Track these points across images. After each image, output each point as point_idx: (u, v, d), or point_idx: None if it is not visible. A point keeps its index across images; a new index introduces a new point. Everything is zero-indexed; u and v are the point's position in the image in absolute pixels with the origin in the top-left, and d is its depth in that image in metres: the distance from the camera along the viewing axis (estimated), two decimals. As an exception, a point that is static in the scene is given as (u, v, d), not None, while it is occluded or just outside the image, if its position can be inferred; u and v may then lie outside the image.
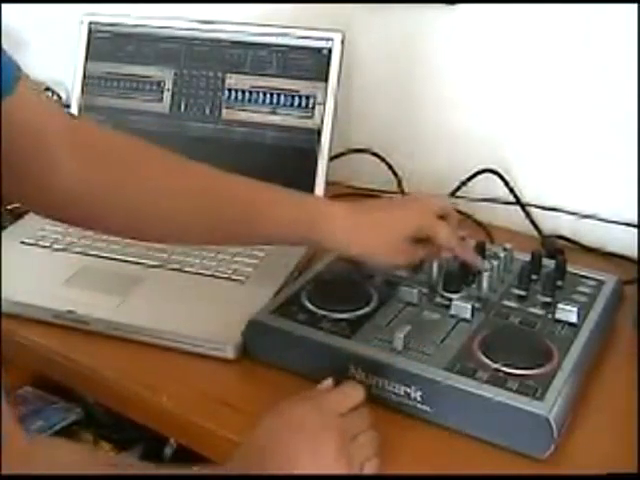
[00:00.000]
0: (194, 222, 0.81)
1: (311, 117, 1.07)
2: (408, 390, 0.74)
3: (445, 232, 0.84)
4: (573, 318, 0.82)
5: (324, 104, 1.06)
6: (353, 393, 0.70)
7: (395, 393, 0.74)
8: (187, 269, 0.97)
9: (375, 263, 0.86)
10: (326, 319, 0.82)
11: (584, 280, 0.91)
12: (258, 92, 1.09)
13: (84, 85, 1.15)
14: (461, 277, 0.88)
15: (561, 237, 1.10)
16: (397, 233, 0.83)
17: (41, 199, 0.76)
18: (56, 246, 1.02)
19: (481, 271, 0.87)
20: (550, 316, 0.83)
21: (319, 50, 1.07)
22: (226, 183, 0.83)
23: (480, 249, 0.94)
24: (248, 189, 0.83)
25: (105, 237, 1.03)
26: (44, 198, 0.76)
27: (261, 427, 0.66)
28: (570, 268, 0.92)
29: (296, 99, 1.08)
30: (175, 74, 1.13)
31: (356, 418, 0.68)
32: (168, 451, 1.02)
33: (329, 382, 0.72)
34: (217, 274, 0.97)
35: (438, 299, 0.86)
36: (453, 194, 1.15)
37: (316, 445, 0.64)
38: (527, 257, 0.93)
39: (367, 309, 0.84)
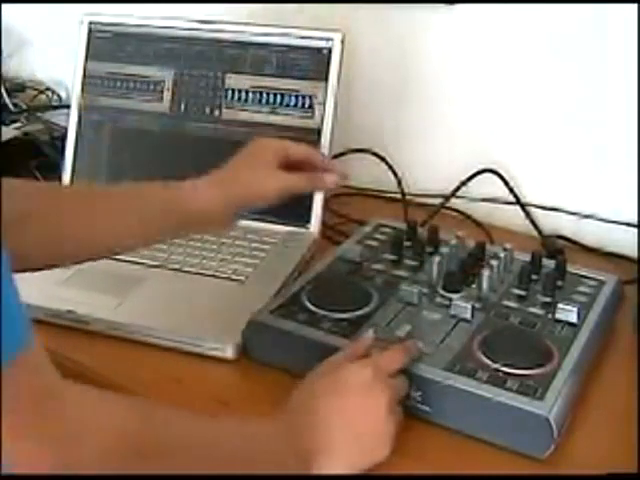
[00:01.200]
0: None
1: (311, 117, 1.07)
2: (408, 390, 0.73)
3: (299, 147, 0.91)
4: (573, 318, 0.82)
5: (324, 104, 1.06)
6: (399, 356, 0.73)
7: (395, 393, 0.74)
8: (187, 269, 0.97)
9: (262, 198, 0.87)
10: (326, 319, 0.82)
11: (584, 280, 0.91)
12: (258, 92, 1.09)
13: (84, 85, 1.15)
14: (461, 277, 0.88)
15: (561, 237, 1.10)
16: (258, 163, 0.88)
17: None
18: (56, 246, 1.02)
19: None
20: (550, 316, 0.83)
21: (319, 50, 1.07)
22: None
23: (480, 249, 0.94)
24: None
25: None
26: None
27: (302, 387, 0.70)
28: (570, 268, 0.92)
29: (296, 99, 1.08)
30: (175, 74, 1.13)
31: (401, 381, 0.72)
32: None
33: (370, 333, 0.76)
34: (217, 274, 0.97)
35: (438, 299, 0.86)
36: (453, 194, 1.15)
37: (369, 400, 0.68)
38: (527, 257, 0.93)
39: (367, 309, 0.84)
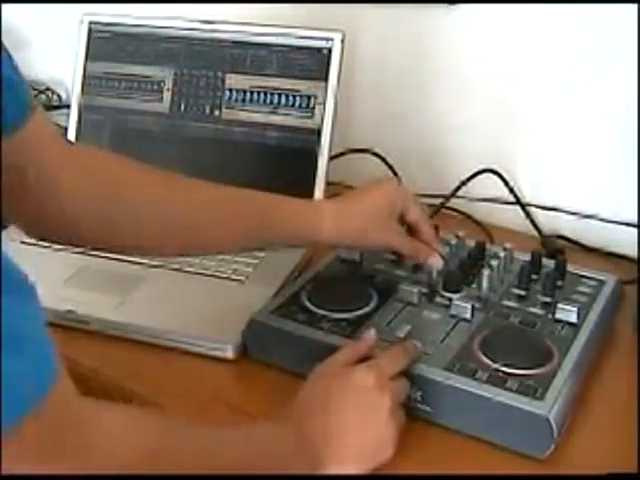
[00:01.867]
0: (196, 236, 0.82)
1: (311, 117, 1.07)
2: (408, 390, 0.74)
3: (417, 208, 0.90)
4: (573, 318, 0.82)
5: (324, 104, 1.06)
6: (400, 358, 0.73)
7: (395, 393, 0.74)
8: (187, 269, 0.97)
9: (370, 246, 0.88)
10: (326, 319, 0.82)
11: (584, 280, 0.91)
12: (258, 92, 1.09)
13: (84, 85, 1.15)
14: (461, 277, 0.88)
15: (561, 237, 1.10)
16: (381, 211, 0.87)
17: (41, 223, 0.77)
18: (56, 246, 1.02)
19: (435, 267, 0.89)
20: (550, 316, 0.83)
21: (319, 50, 1.07)
22: (224, 194, 0.83)
23: (480, 249, 0.94)
24: (255, 196, 0.85)
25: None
26: (44, 222, 0.76)
27: (309, 389, 0.70)
28: (570, 268, 0.92)
29: (296, 99, 1.08)
30: (175, 74, 1.13)
31: (402, 384, 0.72)
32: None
33: (372, 334, 0.76)
34: (217, 274, 0.97)
35: (438, 299, 0.86)
36: (453, 194, 1.15)
37: (373, 404, 0.68)
38: (527, 257, 0.93)
39: (367, 309, 0.84)
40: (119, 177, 0.80)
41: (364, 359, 0.72)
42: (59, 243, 0.85)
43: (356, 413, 0.68)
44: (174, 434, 0.59)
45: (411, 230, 0.90)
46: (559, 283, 0.89)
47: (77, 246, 0.89)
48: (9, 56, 0.66)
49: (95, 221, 0.77)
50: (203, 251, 0.89)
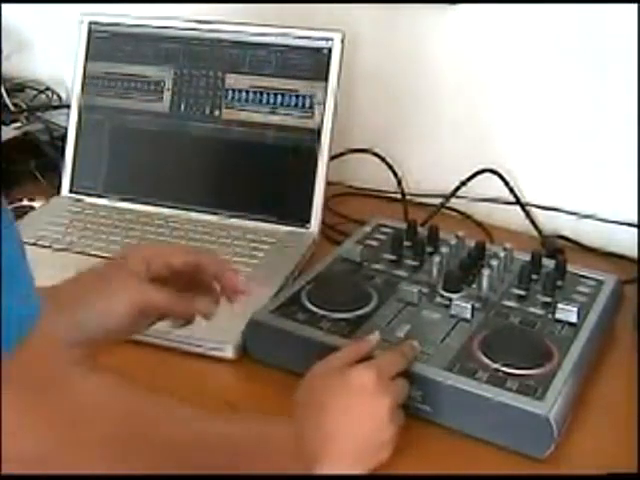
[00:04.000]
0: None
1: (311, 117, 1.07)
2: (408, 390, 0.74)
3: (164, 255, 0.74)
4: (573, 318, 0.82)
5: (324, 104, 1.06)
6: (400, 358, 0.73)
7: (395, 393, 0.74)
8: (187, 269, 0.97)
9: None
10: (326, 319, 0.82)
11: (584, 280, 0.91)
12: (258, 92, 1.09)
13: (84, 85, 1.15)
14: (461, 277, 0.88)
15: (561, 237, 1.10)
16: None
17: None
18: (56, 246, 1.02)
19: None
20: (550, 316, 0.83)
21: (319, 50, 1.07)
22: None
23: (480, 249, 0.94)
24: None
25: (105, 237, 1.03)
26: None
27: (307, 387, 0.69)
28: (570, 268, 0.92)
29: (296, 99, 1.08)
30: (175, 74, 1.13)
31: (402, 384, 0.71)
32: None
33: (376, 335, 0.75)
34: (217, 274, 0.96)
35: (438, 299, 0.86)
36: (453, 194, 1.15)
37: (372, 404, 0.68)
38: (527, 257, 0.93)
39: (367, 309, 0.84)
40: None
41: (363, 359, 0.72)
42: None
43: (355, 413, 0.68)
44: (163, 404, 0.58)
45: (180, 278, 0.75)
46: (559, 283, 0.89)
47: None
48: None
49: None
50: None
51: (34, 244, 1.01)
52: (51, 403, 0.50)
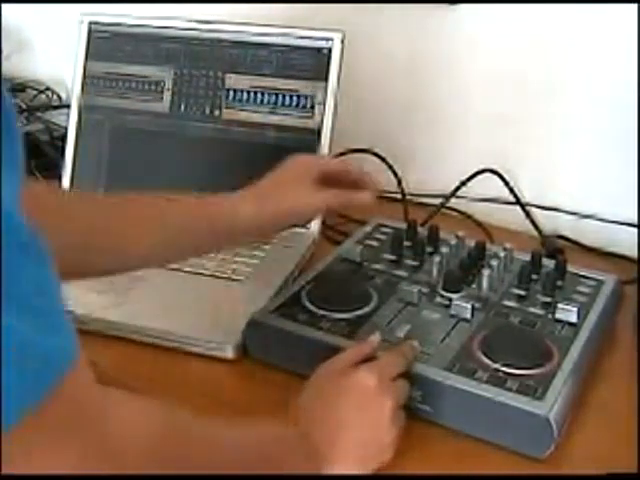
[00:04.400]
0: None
1: (311, 117, 1.07)
2: (408, 390, 0.73)
3: (334, 160, 0.93)
4: (573, 318, 0.82)
5: (324, 104, 1.06)
6: (401, 359, 0.73)
7: (395, 393, 0.74)
8: (187, 269, 0.97)
9: (294, 216, 0.86)
10: (326, 319, 0.82)
11: (584, 280, 0.91)
12: (258, 92, 1.09)
13: (84, 85, 1.15)
14: (461, 277, 0.88)
15: (561, 237, 1.10)
16: (294, 180, 0.85)
17: None
18: (56, 246, 1.02)
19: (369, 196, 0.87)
20: (550, 316, 0.83)
21: (319, 50, 1.07)
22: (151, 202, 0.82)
23: (480, 249, 0.94)
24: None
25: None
26: None
27: (311, 389, 0.70)
28: (570, 268, 0.92)
29: (296, 99, 1.08)
30: (175, 74, 1.13)
31: (403, 385, 0.71)
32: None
33: (377, 336, 0.75)
34: (217, 274, 0.97)
35: (438, 299, 0.86)
36: (453, 194, 1.15)
37: (374, 406, 0.68)
38: (527, 257, 0.93)
39: (367, 309, 0.84)
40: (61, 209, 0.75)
41: (365, 360, 0.72)
42: None
43: (358, 414, 0.68)
44: (181, 422, 0.58)
45: (340, 183, 0.87)
46: (559, 283, 0.89)
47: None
48: None
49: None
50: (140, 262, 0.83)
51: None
52: (84, 442, 0.49)
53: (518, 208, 1.14)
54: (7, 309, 0.41)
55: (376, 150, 1.19)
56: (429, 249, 0.95)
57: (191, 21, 1.12)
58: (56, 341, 0.45)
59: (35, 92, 1.44)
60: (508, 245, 0.93)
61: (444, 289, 0.87)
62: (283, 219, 0.85)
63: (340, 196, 0.87)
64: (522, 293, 0.87)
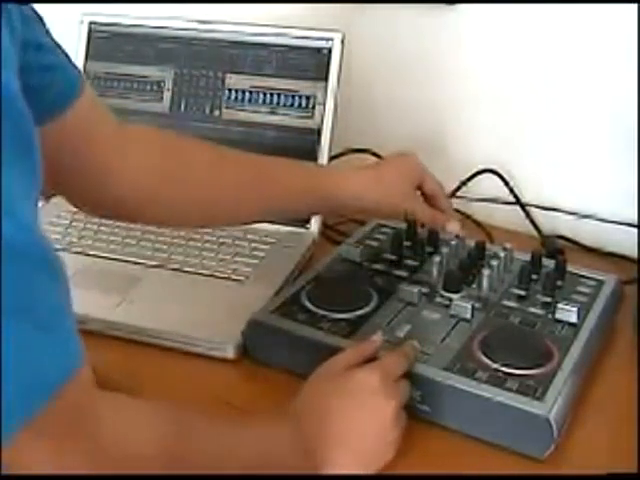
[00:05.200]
0: (237, 208, 0.89)
1: (311, 117, 1.07)
2: (408, 390, 0.73)
3: (435, 180, 0.99)
4: (573, 318, 0.82)
5: (324, 104, 1.06)
6: (402, 360, 0.73)
7: (395, 393, 0.74)
8: (187, 269, 0.97)
9: (391, 210, 0.96)
10: (326, 319, 0.82)
11: (584, 280, 0.91)
12: (258, 92, 1.09)
13: (84, 85, 1.15)
14: (461, 277, 0.88)
15: (561, 237, 1.10)
16: (403, 178, 0.96)
17: (94, 199, 0.80)
18: (56, 246, 1.02)
19: (457, 235, 0.95)
20: (550, 316, 0.83)
21: (319, 50, 1.07)
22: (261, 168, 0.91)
23: (480, 249, 0.94)
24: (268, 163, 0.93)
25: (105, 237, 1.03)
26: (97, 198, 0.80)
27: (312, 389, 0.69)
28: (570, 268, 0.92)
29: (296, 99, 1.08)
30: (175, 74, 1.13)
31: (405, 386, 0.71)
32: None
33: (379, 336, 0.75)
34: (217, 274, 0.97)
35: (438, 299, 0.86)
36: (453, 194, 1.15)
37: (376, 406, 0.68)
38: (527, 257, 0.93)
39: (367, 309, 0.84)
40: (174, 146, 0.85)
41: (366, 360, 0.72)
42: (110, 218, 0.93)
43: (360, 415, 0.68)
44: (194, 432, 0.58)
45: (428, 200, 0.98)
46: (559, 283, 0.89)
47: (125, 221, 0.96)
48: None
49: (140, 197, 0.81)
50: (246, 216, 0.93)
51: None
52: (82, 447, 0.49)
53: (518, 208, 1.14)
54: (17, 320, 0.42)
55: (376, 150, 1.19)
56: (429, 249, 0.95)
57: (191, 21, 1.12)
58: (61, 350, 0.46)
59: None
60: (508, 245, 0.93)
61: (444, 289, 0.87)
62: (378, 209, 0.96)
63: (432, 215, 0.97)
64: (522, 293, 0.87)
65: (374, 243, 0.98)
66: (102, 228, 1.05)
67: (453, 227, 0.96)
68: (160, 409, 0.58)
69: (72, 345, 0.47)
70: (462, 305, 0.82)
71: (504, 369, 0.74)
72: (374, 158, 1.19)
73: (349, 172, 0.95)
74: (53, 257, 0.46)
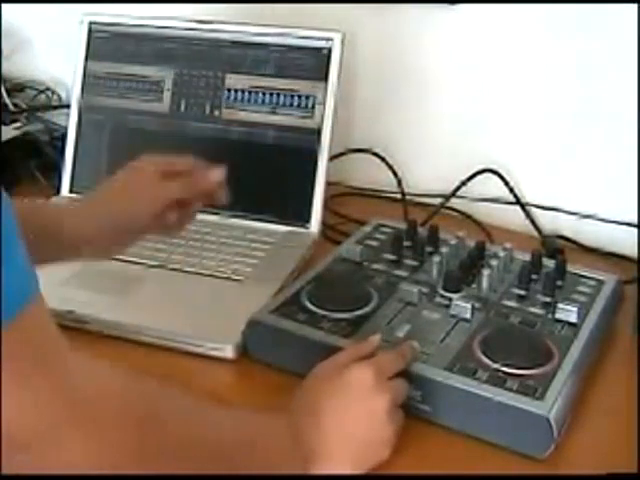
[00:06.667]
0: None
1: (311, 117, 1.07)
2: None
3: (172, 162, 0.89)
4: (573, 318, 0.82)
5: (324, 104, 1.06)
6: (399, 358, 0.73)
7: (395, 393, 0.74)
8: (187, 269, 0.97)
9: (138, 217, 0.84)
10: (326, 319, 0.82)
11: (584, 280, 0.91)
12: (258, 92, 1.09)
13: (84, 85, 1.15)
14: (461, 277, 0.88)
15: (561, 237, 1.10)
16: (138, 179, 0.86)
17: None
18: (56, 246, 1.02)
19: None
20: (550, 316, 0.83)
21: (319, 50, 1.07)
22: None
23: (480, 249, 0.94)
24: None
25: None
26: None
27: (308, 387, 0.70)
28: (570, 268, 0.92)
29: (296, 99, 1.08)
30: (175, 74, 1.13)
31: (401, 384, 0.71)
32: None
33: (377, 337, 0.75)
34: (217, 274, 0.97)
35: (438, 299, 0.86)
36: (453, 194, 1.15)
37: (371, 403, 0.68)
38: (527, 257, 0.93)
39: (367, 309, 0.84)
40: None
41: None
42: None
43: (352, 411, 0.68)
44: (156, 388, 0.58)
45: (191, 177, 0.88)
46: (559, 283, 0.89)
47: None
48: None
49: None
50: None
51: (34, 244, 1.01)
52: (51, 379, 0.49)
53: (518, 208, 1.14)
54: None
55: (376, 150, 1.20)
56: (429, 249, 0.95)
57: (191, 21, 1.12)
58: (16, 276, 0.46)
59: (35, 92, 1.44)
60: (508, 245, 0.93)
61: (444, 289, 0.87)
62: (124, 218, 0.83)
63: (187, 185, 0.86)
64: (522, 293, 0.87)
65: (374, 243, 0.98)
66: (102, 228, 1.05)
67: (216, 173, 0.87)
68: (124, 371, 0.57)
69: (29, 267, 0.48)
70: (462, 305, 0.82)
71: (504, 369, 0.74)
72: (374, 158, 1.19)
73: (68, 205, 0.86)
74: None
